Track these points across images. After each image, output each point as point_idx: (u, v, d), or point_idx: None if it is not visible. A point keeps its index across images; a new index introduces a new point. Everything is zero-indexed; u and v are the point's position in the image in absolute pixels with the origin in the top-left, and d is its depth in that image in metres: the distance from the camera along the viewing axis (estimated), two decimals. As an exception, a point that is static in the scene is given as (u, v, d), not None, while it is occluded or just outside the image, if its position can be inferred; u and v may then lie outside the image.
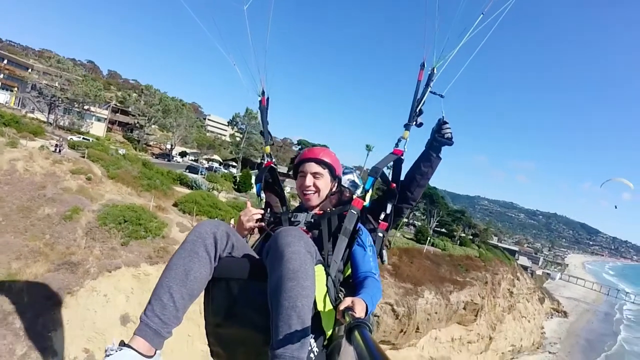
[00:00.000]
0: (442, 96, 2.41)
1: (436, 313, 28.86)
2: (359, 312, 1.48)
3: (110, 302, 12.91)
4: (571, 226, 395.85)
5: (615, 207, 38.74)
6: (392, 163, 2.39)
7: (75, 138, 36.18)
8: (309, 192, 2.22)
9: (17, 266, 12.91)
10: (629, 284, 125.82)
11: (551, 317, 59.88)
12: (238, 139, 64.87)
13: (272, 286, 1.57)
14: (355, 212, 2.05)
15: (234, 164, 64.87)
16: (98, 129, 48.92)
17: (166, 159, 52.98)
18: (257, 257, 1.92)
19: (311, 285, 1.57)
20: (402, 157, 2.34)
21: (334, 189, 2.30)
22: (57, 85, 40.74)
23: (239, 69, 2.71)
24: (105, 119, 51.16)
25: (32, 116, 39.10)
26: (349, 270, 2.07)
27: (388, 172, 2.45)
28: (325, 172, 2.22)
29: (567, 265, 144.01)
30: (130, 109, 55.51)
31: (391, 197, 2.34)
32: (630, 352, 50.70)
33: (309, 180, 2.20)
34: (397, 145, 2.37)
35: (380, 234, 2.32)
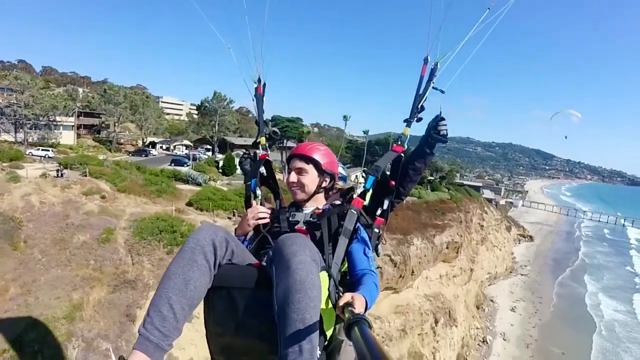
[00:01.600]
0: (442, 92, 2.41)
1: (425, 256, 31.13)
2: (359, 308, 1.48)
3: (175, 307, 14.60)
4: (527, 154, 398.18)
5: (565, 137, 40.67)
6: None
7: (34, 152, 34.87)
8: (294, 188, 2.27)
9: (77, 296, 13.66)
10: (585, 203, 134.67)
11: (519, 243, 63.43)
12: (195, 116, 64.97)
13: (279, 298, 1.55)
14: (355, 212, 2.08)
15: (208, 146, 64.82)
16: (68, 137, 47.08)
17: (143, 155, 52.06)
18: (256, 261, 1.96)
19: (318, 295, 1.57)
20: (402, 155, 2.33)
21: (324, 184, 2.30)
22: (15, 101, 38.40)
23: (233, 54, 2.67)
24: (73, 125, 48.93)
25: (-1, 139, 37.35)
26: (345, 266, 2.08)
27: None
28: (309, 168, 2.23)
29: (527, 191, 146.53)
30: (97, 111, 53.08)
31: (389, 194, 2.30)
32: (591, 265, 55.59)
33: (293, 176, 2.25)
34: (396, 142, 2.35)
35: (376, 230, 2.29)
